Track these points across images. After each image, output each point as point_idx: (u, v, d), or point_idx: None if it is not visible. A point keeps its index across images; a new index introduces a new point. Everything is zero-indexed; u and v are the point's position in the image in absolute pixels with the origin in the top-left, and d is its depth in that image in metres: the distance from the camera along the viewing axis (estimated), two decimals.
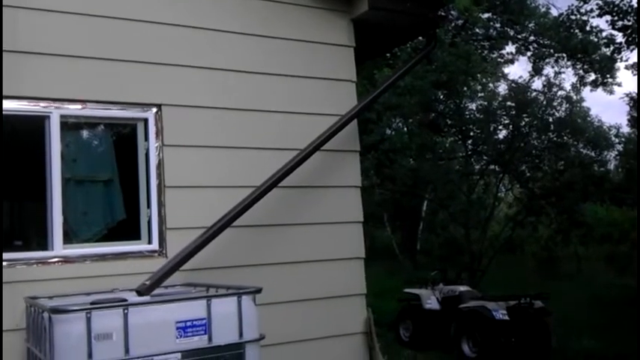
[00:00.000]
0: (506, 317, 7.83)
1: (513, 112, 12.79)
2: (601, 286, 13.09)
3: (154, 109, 4.93)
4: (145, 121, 4.89)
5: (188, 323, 3.55)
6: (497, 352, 7.82)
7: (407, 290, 9.75)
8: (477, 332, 8.04)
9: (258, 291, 3.95)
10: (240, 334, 3.72)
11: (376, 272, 10.95)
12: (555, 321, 8.72)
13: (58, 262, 4.46)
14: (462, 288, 8.96)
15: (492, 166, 13.41)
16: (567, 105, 13.66)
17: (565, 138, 13.46)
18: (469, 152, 13.55)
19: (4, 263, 4.27)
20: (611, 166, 16.82)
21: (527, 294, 8.32)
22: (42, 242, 4.56)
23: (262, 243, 5.25)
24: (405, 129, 14.97)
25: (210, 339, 3.60)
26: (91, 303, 3.46)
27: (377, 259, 13.79)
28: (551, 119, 13.00)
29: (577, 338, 8.93)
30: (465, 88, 13.08)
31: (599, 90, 15.12)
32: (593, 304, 11.18)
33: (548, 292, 8.67)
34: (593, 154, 14.27)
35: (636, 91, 13.16)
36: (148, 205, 4.86)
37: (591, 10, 12.86)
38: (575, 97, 14.17)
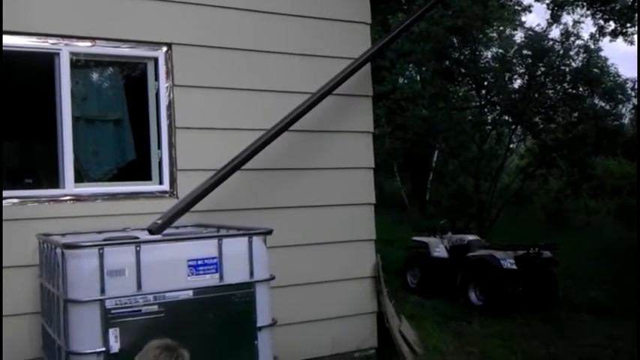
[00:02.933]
0: (514, 266, 7.83)
1: (529, 61, 12.52)
2: (609, 238, 13.10)
3: (164, 49, 4.84)
4: (155, 60, 4.82)
5: (199, 262, 3.57)
6: (504, 301, 7.88)
7: (415, 238, 9.75)
8: (484, 280, 8.07)
9: (269, 232, 3.95)
10: (251, 274, 3.75)
11: (385, 221, 10.98)
12: (562, 272, 8.75)
13: (69, 200, 4.47)
14: (471, 237, 8.95)
15: (505, 117, 13.22)
16: (585, 55, 13.34)
17: (580, 89, 13.22)
18: (483, 102, 13.34)
19: (15, 200, 4.29)
20: (626, 119, 16.53)
21: (535, 244, 8.32)
22: (53, 180, 4.58)
23: (273, 186, 5.24)
24: (418, 77, 14.73)
25: (221, 277, 3.63)
26: (104, 240, 3.48)
27: (386, 208, 13.81)
28: (567, 69, 12.74)
29: (583, 289, 8.97)
30: (481, 35, 12.78)
31: (619, 40, 14.70)
32: (600, 257, 11.20)
33: (557, 243, 8.67)
34: (608, 106, 14.01)
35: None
36: (159, 146, 4.84)
37: None
38: (592, 47, 13.80)
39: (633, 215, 13.50)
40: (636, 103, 15.14)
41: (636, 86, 14.15)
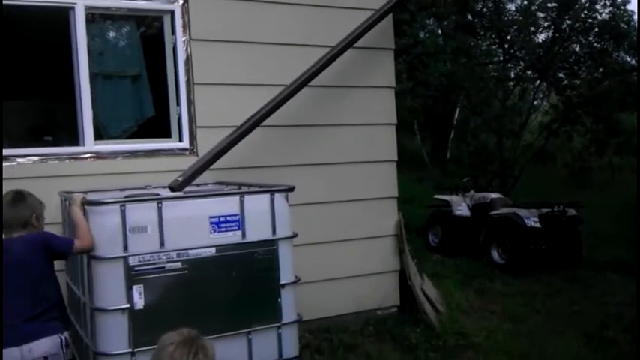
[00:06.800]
0: (538, 225, 7.72)
1: (554, 14, 12.12)
2: (634, 196, 12.86)
3: (181, 1, 4.71)
4: (172, 13, 4.70)
5: (222, 219, 3.51)
6: (527, 259, 7.80)
7: (437, 196, 9.65)
8: (507, 239, 7.98)
9: (291, 189, 3.88)
10: (274, 231, 3.69)
11: (405, 179, 10.87)
12: (586, 230, 8.63)
13: (90, 157, 4.43)
14: (494, 195, 8.82)
15: (529, 72, 12.88)
16: (611, 8, 12.89)
17: (605, 44, 12.81)
18: (506, 57, 12.98)
19: (35, 158, 4.26)
20: None
21: (560, 202, 8.18)
22: (73, 138, 4.53)
23: (293, 143, 5.16)
24: (440, 31, 14.37)
25: (243, 235, 3.58)
26: (125, 197, 3.44)
27: (406, 167, 13.66)
28: (594, 22, 12.32)
29: (608, 248, 8.86)
30: None
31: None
32: (625, 215, 11.02)
33: (581, 202, 8.53)
34: (634, 61, 13.58)
35: None
36: (178, 103, 4.77)
37: None
38: (619, 0, 13.32)
39: None
40: None
41: None
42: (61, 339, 3.04)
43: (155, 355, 2.04)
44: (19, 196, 3.15)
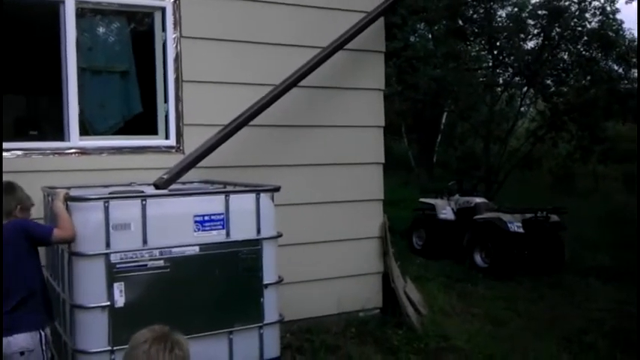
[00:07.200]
0: (521, 230, 7.79)
1: (544, 21, 12.23)
2: (617, 204, 13.01)
3: None
4: (163, 10, 4.67)
5: (206, 217, 3.51)
6: (510, 264, 7.86)
7: (422, 200, 9.70)
8: (491, 243, 8.04)
9: (277, 189, 3.88)
10: (258, 231, 3.69)
11: (391, 182, 10.91)
12: (569, 236, 8.71)
13: (74, 153, 4.40)
14: (478, 199, 8.89)
15: (517, 78, 12.99)
16: (600, 17, 13.02)
17: (594, 53, 12.93)
18: (495, 62, 13.09)
19: (19, 152, 4.22)
20: None
21: (544, 208, 8.25)
22: (58, 133, 4.49)
23: (281, 143, 5.16)
24: (430, 36, 14.43)
25: (228, 234, 3.57)
26: (109, 194, 3.43)
27: (392, 169, 13.71)
28: (583, 30, 12.44)
29: (590, 254, 8.94)
30: None
31: (635, 3, 14.31)
32: (608, 222, 11.14)
33: (565, 207, 8.61)
34: (621, 70, 13.72)
35: None
36: (165, 100, 4.75)
37: None
38: (608, 9, 13.45)
39: None
40: None
41: None
42: (41, 335, 3.03)
43: (128, 354, 1.98)
44: (8, 187, 3.17)
